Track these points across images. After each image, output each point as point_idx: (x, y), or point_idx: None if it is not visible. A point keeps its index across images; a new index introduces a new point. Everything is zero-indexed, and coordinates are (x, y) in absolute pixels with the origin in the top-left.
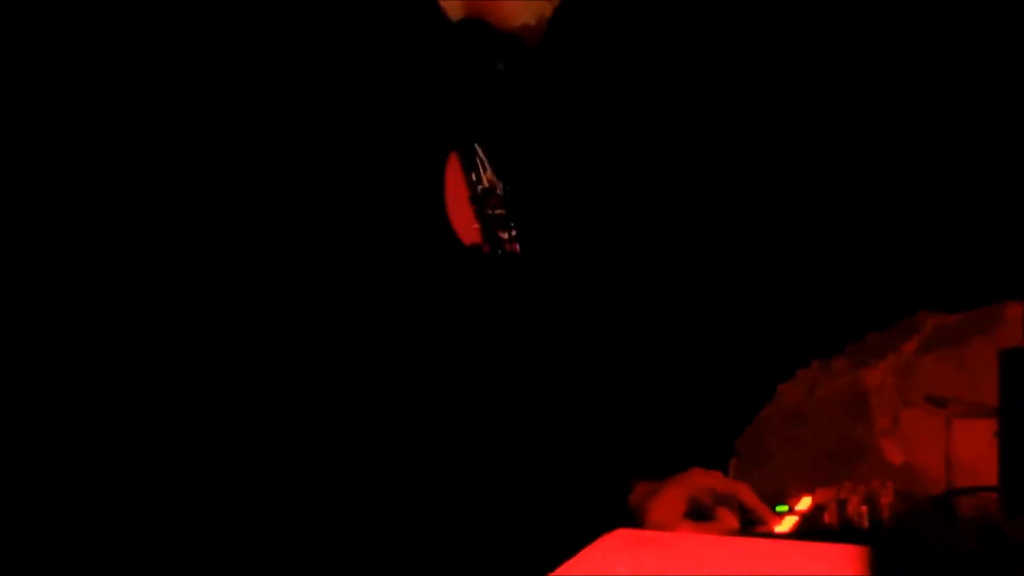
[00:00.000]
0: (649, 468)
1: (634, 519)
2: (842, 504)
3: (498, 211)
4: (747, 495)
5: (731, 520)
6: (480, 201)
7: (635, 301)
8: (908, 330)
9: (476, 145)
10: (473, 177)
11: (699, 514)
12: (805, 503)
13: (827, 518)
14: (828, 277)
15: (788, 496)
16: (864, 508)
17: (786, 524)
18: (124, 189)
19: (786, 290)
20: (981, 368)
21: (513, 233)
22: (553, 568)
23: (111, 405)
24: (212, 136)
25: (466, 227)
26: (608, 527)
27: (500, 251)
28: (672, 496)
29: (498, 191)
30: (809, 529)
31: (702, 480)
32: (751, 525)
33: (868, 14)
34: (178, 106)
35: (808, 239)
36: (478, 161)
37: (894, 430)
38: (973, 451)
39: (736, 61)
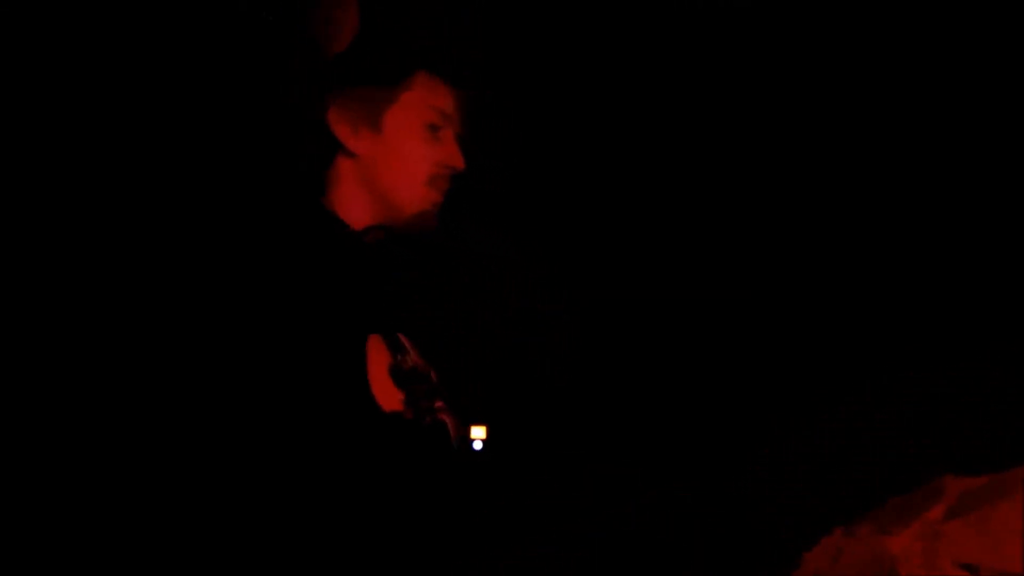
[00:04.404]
0: None
1: None
2: None
3: (426, 387)
4: None
5: None
6: (405, 380)
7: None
8: (933, 495)
9: (398, 334)
10: (398, 358)
11: None
12: None
13: None
14: (844, 441)
15: None
16: None
17: None
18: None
19: (805, 454)
20: (1007, 533)
21: (440, 405)
22: None
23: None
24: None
25: (388, 396)
26: None
27: (426, 419)
28: None
29: (427, 374)
30: None
31: None
32: None
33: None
34: None
35: (821, 402)
36: (401, 345)
37: None
38: None
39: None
